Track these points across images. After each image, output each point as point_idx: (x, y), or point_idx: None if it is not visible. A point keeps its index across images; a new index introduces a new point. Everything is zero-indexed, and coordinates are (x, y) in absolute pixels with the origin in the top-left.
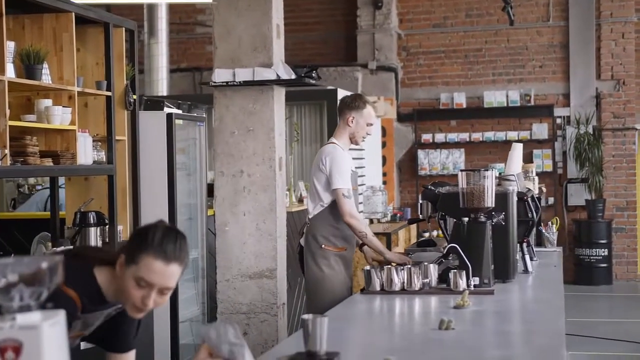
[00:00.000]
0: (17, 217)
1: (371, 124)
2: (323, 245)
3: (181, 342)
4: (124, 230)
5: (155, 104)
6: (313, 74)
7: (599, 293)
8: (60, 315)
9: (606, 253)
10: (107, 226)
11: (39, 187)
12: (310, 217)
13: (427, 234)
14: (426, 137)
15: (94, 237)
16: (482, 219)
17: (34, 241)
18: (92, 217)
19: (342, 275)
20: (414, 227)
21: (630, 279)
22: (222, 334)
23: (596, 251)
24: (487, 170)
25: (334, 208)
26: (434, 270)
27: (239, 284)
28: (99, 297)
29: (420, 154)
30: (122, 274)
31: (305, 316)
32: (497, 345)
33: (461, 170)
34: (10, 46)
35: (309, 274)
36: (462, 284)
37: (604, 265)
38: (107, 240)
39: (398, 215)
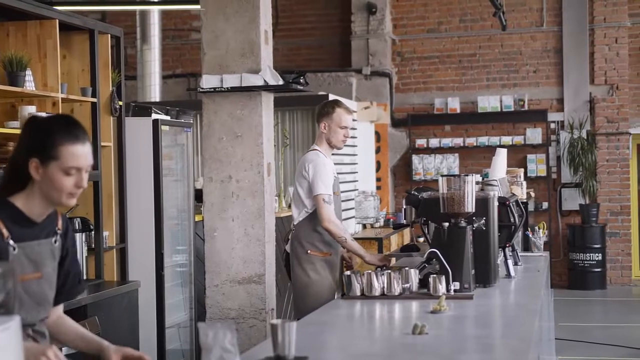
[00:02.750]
0: None
1: (345, 127)
2: (309, 251)
3: (168, 348)
4: (109, 237)
5: (143, 110)
6: (301, 80)
7: (593, 298)
8: (14, 321)
9: (600, 258)
10: (92, 232)
11: None
12: (295, 223)
13: (422, 239)
14: (420, 142)
15: (80, 243)
16: (463, 224)
17: None
18: (77, 223)
19: (328, 280)
20: (407, 232)
21: (624, 284)
22: (219, 337)
23: (590, 256)
24: (468, 175)
25: None
26: (414, 275)
27: (227, 289)
28: (24, 219)
29: (415, 159)
30: (44, 175)
31: (274, 321)
32: (467, 350)
33: (442, 176)
34: None
35: (295, 279)
36: (442, 288)
37: (598, 270)
38: (92, 246)
39: (391, 220)
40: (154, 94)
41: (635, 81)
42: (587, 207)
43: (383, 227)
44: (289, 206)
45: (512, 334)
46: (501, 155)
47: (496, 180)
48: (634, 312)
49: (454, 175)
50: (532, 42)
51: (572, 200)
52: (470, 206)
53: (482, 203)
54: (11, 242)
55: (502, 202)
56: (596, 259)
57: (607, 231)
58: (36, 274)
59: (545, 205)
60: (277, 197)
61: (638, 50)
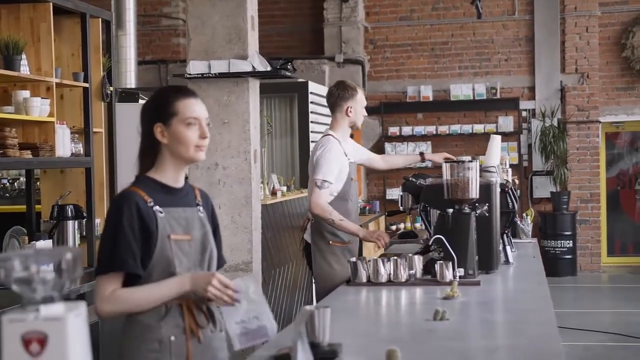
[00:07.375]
0: None
1: (365, 105)
2: (331, 242)
3: None
4: (101, 224)
5: (130, 95)
6: (288, 66)
7: (564, 284)
8: (82, 307)
9: (571, 244)
10: (84, 219)
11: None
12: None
13: (394, 227)
14: (393, 130)
15: (72, 230)
16: (467, 210)
17: (6, 235)
18: (70, 211)
19: (348, 268)
20: (382, 219)
21: (594, 270)
22: (243, 290)
23: (561, 243)
24: (472, 161)
25: (338, 203)
26: (418, 262)
27: None
28: (162, 186)
29: (388, 146)
30: (169, 135)
31: (309, 307)
32: (494, 336)
33: (445, 162)
34: None
35: (318, 270)
36: (449, 275)
37: (569, 256)
38: (84, 234)
39: (367, 208)
40: (130, 80)
41: (605, 70)
42: (558, 195)
43: (359, 215)
44: (273, 194)
45: (533, 320)
46: (495, 142)
47: (494, 167)
48: (604, 297)
49: (458, 162)
50: (504, 31)
51: (543, 187)
52: (474, 192)
53: (485, 189)
54: (156, 207)
55: (502, 188)
56: (567, 246)
57: (578, 218)
58: (186, 236)
59: (517, 192)
60: (260, 185)
61: (608, 39)
